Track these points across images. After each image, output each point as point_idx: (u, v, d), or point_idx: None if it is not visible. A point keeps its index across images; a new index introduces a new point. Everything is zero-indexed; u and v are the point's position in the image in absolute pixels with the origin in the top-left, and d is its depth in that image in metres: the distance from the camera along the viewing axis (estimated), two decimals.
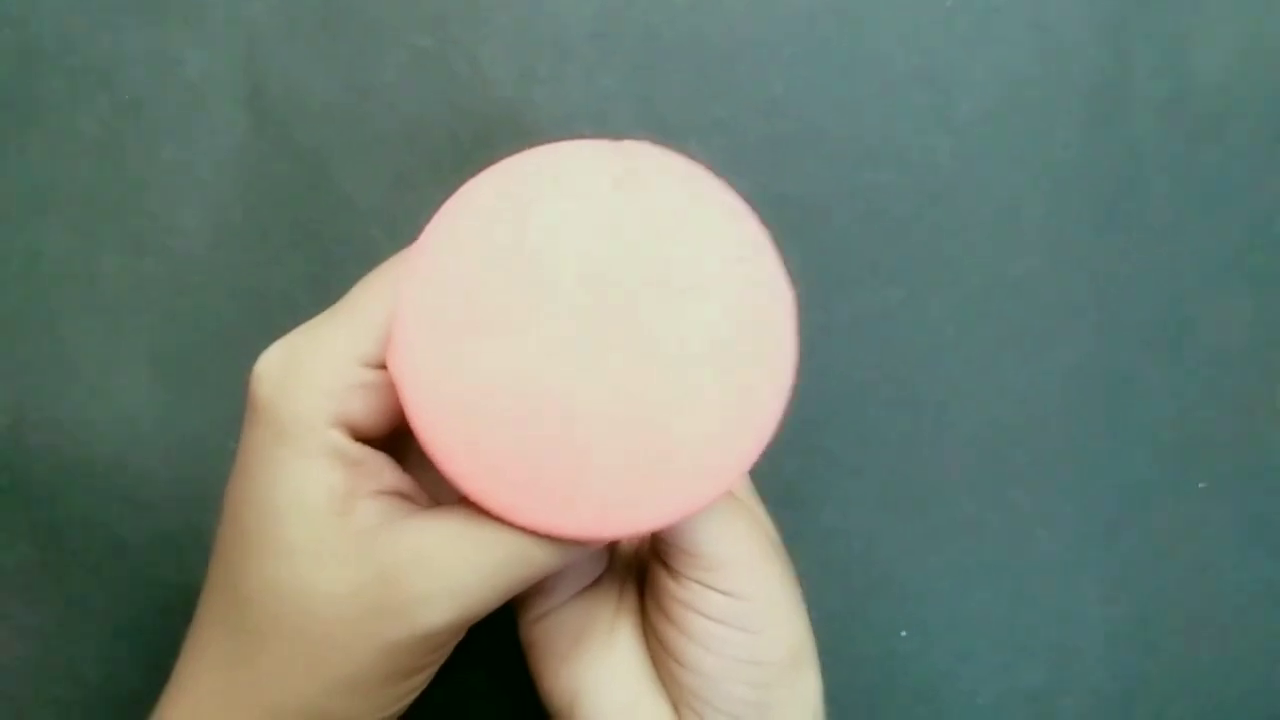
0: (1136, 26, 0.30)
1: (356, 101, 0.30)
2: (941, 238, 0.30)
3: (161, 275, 0.30)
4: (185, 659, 0.22)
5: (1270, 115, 0.29)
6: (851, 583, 0.30)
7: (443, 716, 0.29)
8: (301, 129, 0.30)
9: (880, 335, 0.30)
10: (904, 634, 0.30)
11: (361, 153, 0.30)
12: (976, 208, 0.30)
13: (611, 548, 0.26)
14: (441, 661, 0.22)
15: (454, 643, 0.22)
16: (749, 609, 0.23)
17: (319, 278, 0.30)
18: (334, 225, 0.30)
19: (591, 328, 0.20)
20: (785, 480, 0.29)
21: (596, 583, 0.25)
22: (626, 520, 0.20)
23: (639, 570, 0.26)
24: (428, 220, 0.21)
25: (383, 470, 0.22)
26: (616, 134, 0.30)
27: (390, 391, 0.21)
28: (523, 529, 0.20)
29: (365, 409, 0.21)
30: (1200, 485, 0.29)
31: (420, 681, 0.22)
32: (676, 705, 0.23)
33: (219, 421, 0.30)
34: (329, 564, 0.20)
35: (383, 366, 0.21)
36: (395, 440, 0.22)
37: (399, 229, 0.30)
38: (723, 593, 0.23)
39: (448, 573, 0.20)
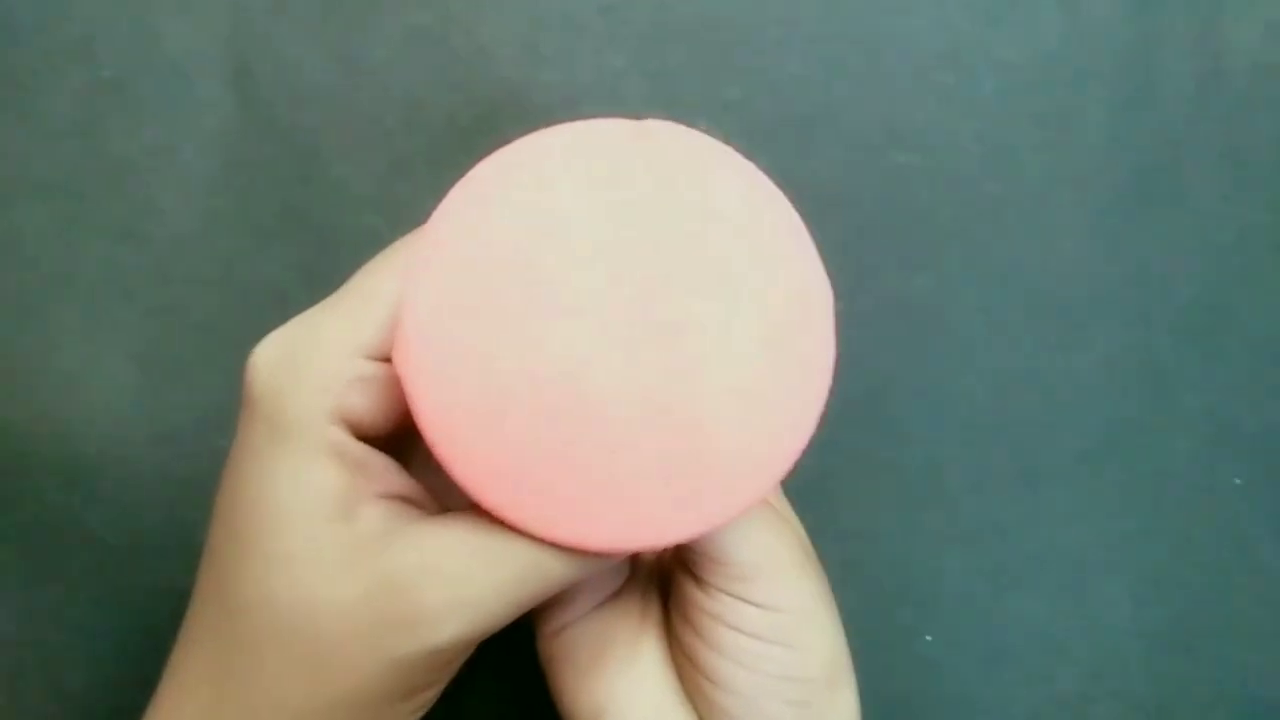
0: (1166, 3, 0.29)
1: (350, 81, 0.29)
2: (967, 223, 0.29)
3: (143, 264, 0.29)
4: (171, 673, 0.21)
5: None
6: (874, 586, 0.29)
7: None
8: (291, 109, 0.29)
9: (905, 325, 0.29)
10: (929, 639, 0.29)
11: (355, 135, 0.29)
12: (1003, 192, 0.29)
13: (634, 555, 0.25)
14: (451, 677, 0.21)
15: (465, 657, 0.20)
16: (785, 622, 0.21)
17: (310, 267, 0.29)
18: (326, 212, 0.29)
19: (619, 321, 0.19)
20: (803, 478, 0.28)
21: (618, 593, 0.24)
22: (655, 531, 0.19)
23: (663, 579, 0.24)
24: (425, 207, 0.20)
25: (387, 472, 0.20)
26: (626, 114, 0.29)
27: (395, 387, 0.20)
28: (542, 540, 0.19)
29: (369, 405, 0.20)
30: (1236, 481, 0.28)
31: (428, 699, 0.20)
32: None
33: (204, 417, 0.29)
34: (331, 572, 0.19)
35: (388, 359, 0.20)
36: (399, 440, 0.21)
37: (395, 216, 0.29)
38: (756, 605, 0.22)
39: (459, 585, 0.19)
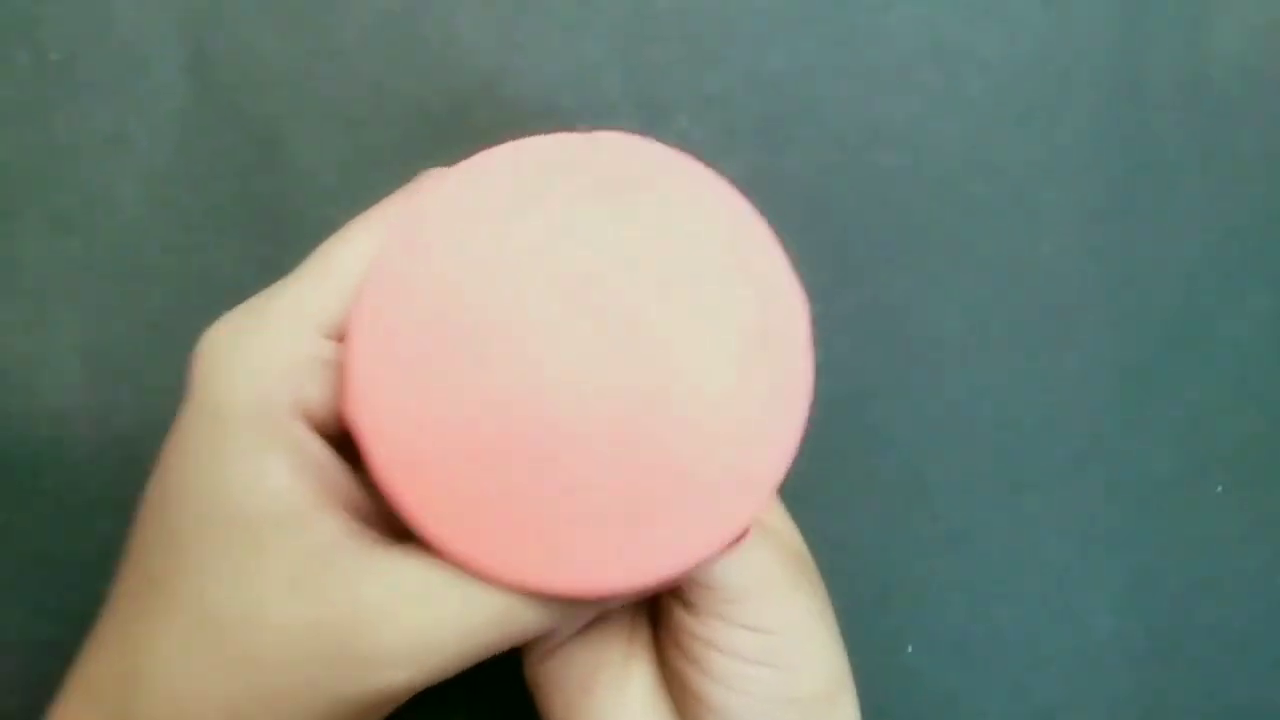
0: (1152, 5, 0.28)
1: (314, 65, 0.28)
2: (950, 224, 0.28)
3: (92, 258, 0.28)
4: (71, 694, 0.19)
5: None
6: (855, 594, 0.28)
7: None
8: (251, 96, 0.28)
9: (886, 328, 0.28)
10: (910, 649, 0.28)
11: (319, 123, 0.28)
12: (987, 192, 0.28)
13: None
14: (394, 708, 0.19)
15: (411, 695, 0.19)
16: (779, 644, 0.21)
17: (270, 262, 0.27)
18: (288, 204, 0.28)
19: (583, 348, 0.18)
20: (783, 485, 0.27)
21: (606, 616, 0.23)
22: (631, 572, 0.18)
23: (651, 601, 0.24)
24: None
25: (342, 480, 0.19)
26: (603, 106, 0.28)
27: None
28: (509, 587, 0.18)
29: (327, 394, 0.18)
30: (1218, 489, 0.28)
31: None
32: None
33: (156, 421, 0.27)
34: (277, 592, 0.17)
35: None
36: (352, 443, 0.19)
37: (361, 208, 0.27)
38: (746, 628, 0.21)
39: (417, 631, 0.17)
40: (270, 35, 0.28)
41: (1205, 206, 0.28)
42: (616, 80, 0.28)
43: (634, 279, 0.18)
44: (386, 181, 0.21)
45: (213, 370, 0.18)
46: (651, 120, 0.28)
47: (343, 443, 0.19)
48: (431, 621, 0.17)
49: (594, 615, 0.21)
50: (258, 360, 0.18)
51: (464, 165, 0.19)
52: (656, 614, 0.23)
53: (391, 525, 0.20)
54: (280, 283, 0.19)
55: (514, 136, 0.20)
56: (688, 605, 0.21)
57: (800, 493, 0.28)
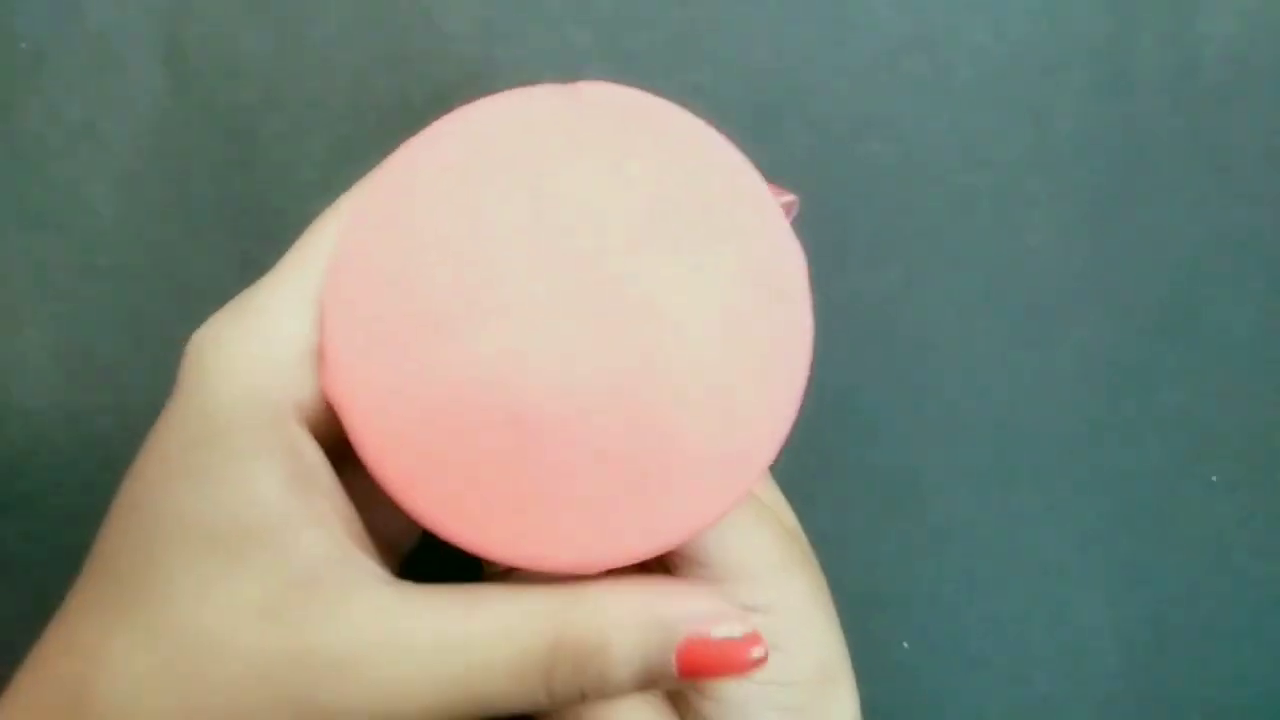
0: None
1: (292, 57, 0.27)
2: (939, 215, 0.28)
3: (64, 255, 0.27)
4: (7, 703, 0.18)
5: None
6: (848, 590, 0.27)
7: None
8: (227, 88, 0.27)
9: (876, 320, 0.28)
10: (906, 645, 0.28)
11: (297, 116, 0.27)
12: (976, 183, 0.28)
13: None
14: None
15: None
16: (775, 624, 0.20)
17: (249, 258, 0.27)
18: (266, 199, 0.27)
19: (562, 314, 0.17)
20: (776, 479, 0.27)
21: None
22: (622, 547, 0.17)
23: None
24: None
25: (331, 492, 0.18)
26: None
27: None
28: (497, 648, 0.17)
29: (318, 390, 0.18)
30: (1213, 479, 0.28)
31: None
32: None
33: (133, 423, 0.26)
34: (246, 617, 0.16)
35: None
36: (342, 446, 0.18)
37: None
38: (740, 606, 0.20)
39: (384, 699, 0.16)
40: (247, 26, 0.27)
41: (1196, 196, 0.28)
42: (602, 71, 0.27)
43: (619, 238, 0.18)
44: (365, 174, 0.21)
45: (204, 370, 0.17)
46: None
47: (339, 442, 0.18)
48: (393, 691, 0.16)
49: (573, 699, 0.19)
50: (252, 359, 0.17)
51: (435, 126, 0.18)
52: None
53: (379, 540, 0.19)
54: (266, 278, 0.19)
55: None
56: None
57: (793, 487, 0.28)
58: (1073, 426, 0.28)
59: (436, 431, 0.17)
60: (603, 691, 0.18)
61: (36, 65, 0.27)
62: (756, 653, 0.18)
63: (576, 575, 0.18)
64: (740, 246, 0.18)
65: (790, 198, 0.19)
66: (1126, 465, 0.28)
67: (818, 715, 0.21)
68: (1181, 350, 0.28)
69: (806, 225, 0.28)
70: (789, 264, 0.18)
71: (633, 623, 0.17)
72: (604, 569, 0.18)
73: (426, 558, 0.21)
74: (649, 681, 0.18)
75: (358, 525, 0.19)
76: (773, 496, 0.24)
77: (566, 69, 0.27)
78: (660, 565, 0.21)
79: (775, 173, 0.28)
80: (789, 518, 0.24)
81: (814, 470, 0.28)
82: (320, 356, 0.18)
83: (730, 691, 0.20)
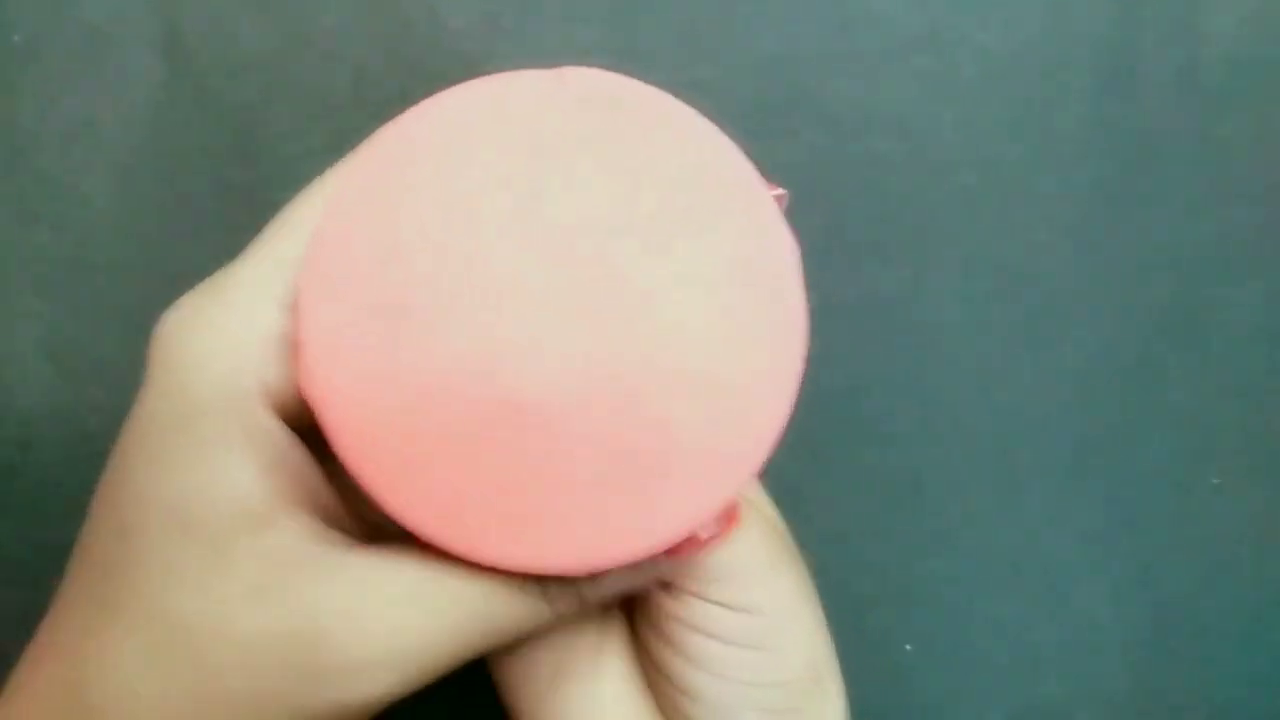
0: None
1: (292, 50, 0.27)
2: (945, 213, 0.28)
3: (59, 249, 0.27)
4: (5, 706, 0.17)
5: None
6: (851, 591, 0.28)
7: None
8: (226, 81, 0.27)
9: (880, 319, 0.28)
10: (909, 647, 0.28)
11: (297, 110, 0.27)
12: (981, 181, 0.28)
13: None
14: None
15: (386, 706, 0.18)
16: (760, 624, 0.20)
17: None
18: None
19: (550, 305, 0.17)
20: (776, 479, 0.27)
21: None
22: (613, 548, 0.17)
23: None
24: None
25: (306, 474, 0.18)
26: None
27: None
28: (487, 573, 0.17)
29: (290, 372, 0.17)
30: (1214, 481, 0.28)
31: None
32: None
33: (125, 419, 0.26)
34: (237, 596, 0.16)
35: None
36: (316, 431, 0.18)
37: None
38: (728, 607, 0.20)
39: (388, 639, 0.16)
40: (246, 17, 0.27)
41: (1200, 196, 0.28)
42: (605, 65, 0.27)
43: (608, 228, 0.17)
44: None
45: (172, 354, 0.17)
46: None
47: (310, 429, 0.18)
48: (395, 630, 0.16)
49: (576, 614, 0.20)
50: (219, 341, 0.17)
51: (415, 110, 0.18)
52: (632, 598, 0.22)
53: (361, 524, 0.19)
54: (239, 259, 0.18)
55: None
56: (666, 585, 0.20)
57: (795, 487, 0.27)
58: (1076, 427, 0.28)
59: (418, 430, 0.17)
60: (597, 592, 0.18)
61: (31, 57, 0.27)
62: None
63: (558, 580, 0.18)
64: (731, 236, 0.17)
65: (780, 191, 0.19)
66: (1129, 466, 0.28)
67: (807, 715, 0.20)
68: (1185, 351, 0.28)
69: (810, 222, 0.27)
70: (781, 254, 0.18)
71: None
72: (594, 571, 0.18)
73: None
74: (638, 574, 0.19)
75: (336, 507, 0.18)
76: (757, 494, 0.24)
77: (569, 63, 0.27)
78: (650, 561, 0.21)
79: (780, 169, 0.28)
80: (774, 515, 0.23)
81: (818, 470, 0.28)
82: (295, 353, 0.17)
83: (719, 693, 0.20)
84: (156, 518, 0.16)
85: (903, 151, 0.28)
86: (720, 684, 0.20)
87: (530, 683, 0.21)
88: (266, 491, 0.17)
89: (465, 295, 0.17)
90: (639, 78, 0.27)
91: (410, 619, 0.17)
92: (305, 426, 0.18)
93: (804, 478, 0.28)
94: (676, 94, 0.27)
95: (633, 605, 0.22)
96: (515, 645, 0.21)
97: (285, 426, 0.17)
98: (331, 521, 0.18)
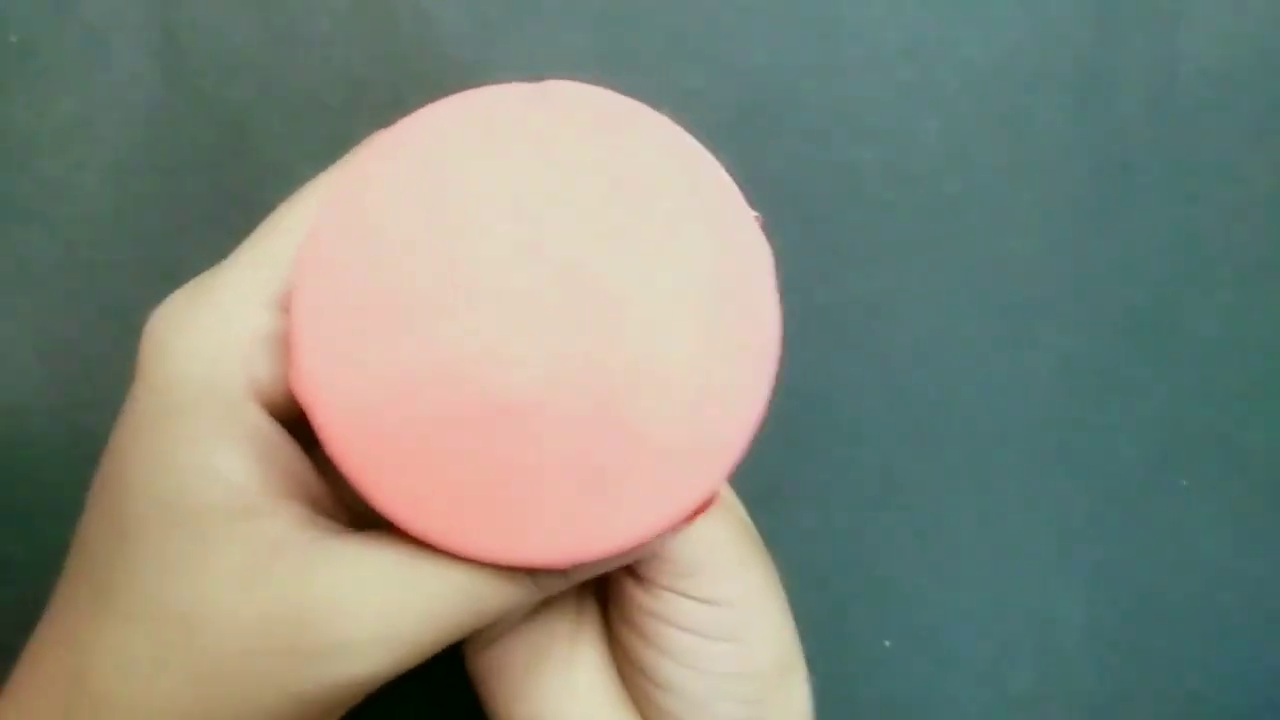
0: (1125, 8, 0.29)
1: (286, 53, 0.27)
2: (924, 221, 0.28)
3: (53, 249, 0.27)
4: (8, 699, 0.18)
5: (1257, 103, 0.29)
6: (831, 588, 0.28)
7: None
8: (221, 83, 0.27)
9: (859, 323, 0.28)
10: (888, 644, 0.28)
11: (291, 112, 0.27)
12: (961, 191, 0.29)
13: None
14: (353, 705, 0.19)
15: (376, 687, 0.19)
16: (733, 617, 0.21)
17: None
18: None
19: (537, 311, 0.17)
20: (759, 479, 0.27)
21: (551, 597, 0.23)
22: (591, 542, 0.17)
23: (601, 578, 0.23)
24: None
25: (296, 466, 0.18)
26: None
27: None
28: (469, 562, 0.17)
29: (279, 370, 0.18)
30: (1183, 483, 0.29)
31: None
32: None
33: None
34: (230, 584, 0.16)
35: None
36: (304, 424, 0.18)
37: None
38: (700, 600, 0.20)
39: (378, 618, 0.17)
40: (240, 19, 0.27)
41: (1174, 206, 0.29)
42: (596, 71, 0.27)
43: (588, 236, 0.18)
44: None
45: (161, 350, 0.17)
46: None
47: (299, 423, 0.18)
48: (385, 609, 0.17)
49: (561, 589, 0.20)
50: (208, 338, 0.17)
51: (405, 121, 0.18)
52: (605, 591, 0.23)
53: (350, 513, 0.19)
54: (230, 257, 0.19)
55: None
56: (639, 579, 0.21)
57: (774, 487, 0.28)
58: (1051, 429, 0.29)
59: (403, 428, 0.17)
60: (580, 572, 0.19)
61: (27, 57, 0.27)
62: None
63: (539, 570, 0.18)
64: (707, 246, 0.18)
65: (754, 214, 0.20)
66: (1103, 467, 0.29)
67: (775, 705, 0.21)
68: (1156, 356, 0.29)
69: (792, 229, 0.28)
70: (756, 261, 0.18)
71: None
72: (572, 565, 0.18)
73: None
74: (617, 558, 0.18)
75: (325, 497, 0.19)
76: (726, 492, 0.24)
77: (561, 69, 0.27)
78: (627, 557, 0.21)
79: (764, 177, 0.28)
80: (740, 510, 0.24)
81: (798, 470, 0.28)
82: (286, 351, 0.18)
83: (691, 685, 0.20)
84: (150, 510, 0.17)
85: (884, 160, 0.28)
86: (692, 675, 0.20)
87: (506, 672, 0.22)
88: (256, 482, 0.17)
89: (449, 298, 0.17)
90: (627, 84, 0.27)
91: (399, 599, 0.17)
92: (293, 420, 0.18)
93: (783, 477, 0.28)
94: (663, 101, 0.28)
95: (607, 599, 0.23)
96: (501, 625, 0.21)
97: (272, 420, 0.18)
98: (321, 511, 0.18)
